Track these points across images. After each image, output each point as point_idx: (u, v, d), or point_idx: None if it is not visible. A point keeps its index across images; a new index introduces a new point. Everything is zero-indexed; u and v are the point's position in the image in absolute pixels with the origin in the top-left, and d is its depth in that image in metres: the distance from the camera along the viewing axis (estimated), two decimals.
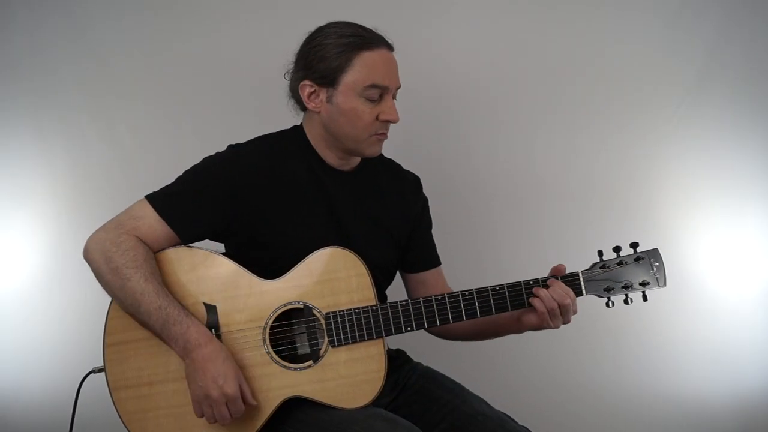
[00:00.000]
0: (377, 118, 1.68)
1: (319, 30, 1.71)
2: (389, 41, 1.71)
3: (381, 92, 1.67)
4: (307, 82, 1.69)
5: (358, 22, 1.71)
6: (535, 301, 1.66)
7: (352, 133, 1.70)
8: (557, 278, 1.68)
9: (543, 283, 1.67)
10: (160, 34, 2.67)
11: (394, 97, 1.71)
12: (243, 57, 2.64)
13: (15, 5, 2.64)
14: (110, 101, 2.69)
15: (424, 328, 1.71)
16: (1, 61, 2.66)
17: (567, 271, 1.70)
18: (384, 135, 1.73)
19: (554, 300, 1.65)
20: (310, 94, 1.70)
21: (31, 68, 2.66)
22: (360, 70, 1.64)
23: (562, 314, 1.67)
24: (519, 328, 1.76)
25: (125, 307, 1.62)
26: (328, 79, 1.66)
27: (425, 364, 1.90)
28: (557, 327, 1.69)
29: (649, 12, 2.63)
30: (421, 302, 1.67)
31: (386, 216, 1.82)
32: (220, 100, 2.67)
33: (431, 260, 1.93)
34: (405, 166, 1.93)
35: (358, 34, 1.66)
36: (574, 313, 1.68)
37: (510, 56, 2.66)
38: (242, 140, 1.81)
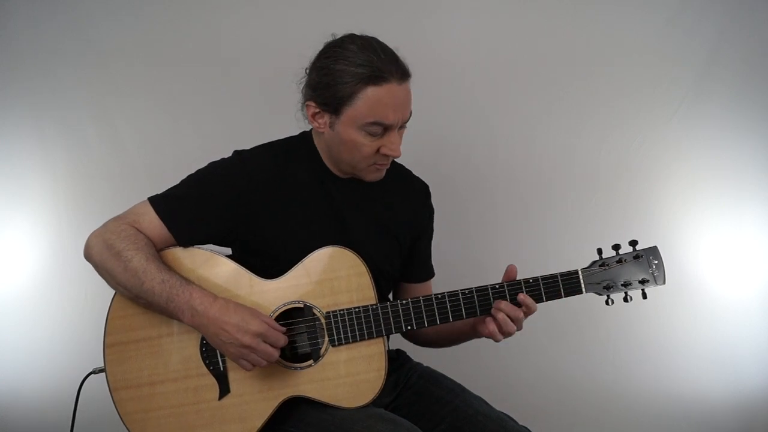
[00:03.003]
0: (378, 150, 1.65)
1: (333, 48, 1.64)
2: (405, 67, 1.62)
3: (384, 128, 1.63)
4: (312, 103, 1.66)
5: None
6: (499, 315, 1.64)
7: (351, 161, 1.68)
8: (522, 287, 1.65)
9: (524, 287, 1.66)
10: (161, 33, 2.67)
11: (402, 127, 1.67)
12: (244, 57, 2.64)
13: (15, 5, 2.64)
14: (110, 101, 2.69)
15: (424, 327, 1.70)
16: (1, 61, 2.66)
17: (567, 269, 1.68)
18: (384, 165, 1.70)
19: (509, 318, 1.64)
20: (315, 114, 1.67)
21: (31, 68, 2.66)
22: (363, 105, 1.58)
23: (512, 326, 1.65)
24: (475, 335, 1.75)
25: (129, 290, 1.62)
26: (331, 107, 1.62)
27: (425, 365, 1.90)
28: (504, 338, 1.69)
29: (649, 12, 2.63)
30: (422, 301, 1.67)
31: (393, 222, 1.81)
32: (220, 100, 2.67)
33: (427, 272, 1.93)
34: (401, 161, 1.91)
35: (370, 63, 1.57)
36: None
37: (510, 56, 2.66)
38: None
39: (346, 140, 1.64)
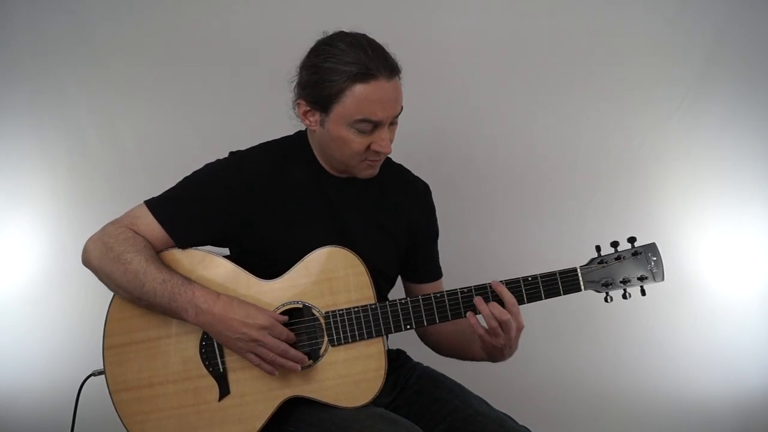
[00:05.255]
0: (369, 147, 1.65)
1: (322, 47, 1.63)
2: (394, 63, 1.62)
3: (373, 125, 1.62)
4: (302, 102, 1.66)
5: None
6: (472, 319, 1.63)
7: (342, 158, 1.68)
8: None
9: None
10: (161, 33, 2.67)
11: (394, 123, 1.67)
12: (244, 57, 2.64)
13: (15, 5, 2.64)
14: (110, 101, 2.68)
15: (424, 326, 1.70)
16: (1, 61, 2.66)
17: (566, 267, 1.68)
18: (377, 161, 1.69)
19: (493, 317, 1.61)
20: (306, 112, 1.67)
21: (31, 68, 2.66)
22: (351, 103, 1.58)
23: (504, 331, 1.62)
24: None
25: (130, 293, 1.62)
26: (320, 105, 1.63)
27: (425, 365, 1.90)
28: (501, 348, 1.65)
29: (649, 12, 2.63)
30: (420, 300, 1.67)
31: (390, 222, 1.80)
32: (220, 100, 2.67)
33: (434, 273, 1.92)
34: (401, 160, 1.91)
35: (358, 61, 1.57)
36: (518, 329, 1.63)
37: (509, 54, 2.66)
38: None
39: (336, 137, 1.64)
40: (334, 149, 1.68)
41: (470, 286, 1.66)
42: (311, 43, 1.69)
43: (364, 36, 1.64)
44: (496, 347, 1.65)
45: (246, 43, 2.64)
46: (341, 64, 1.58)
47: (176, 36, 2.67)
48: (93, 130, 2.70)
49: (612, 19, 2.64)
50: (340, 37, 1.63)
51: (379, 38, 1.66)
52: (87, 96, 2.69)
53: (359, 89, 1.57)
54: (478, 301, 1.63)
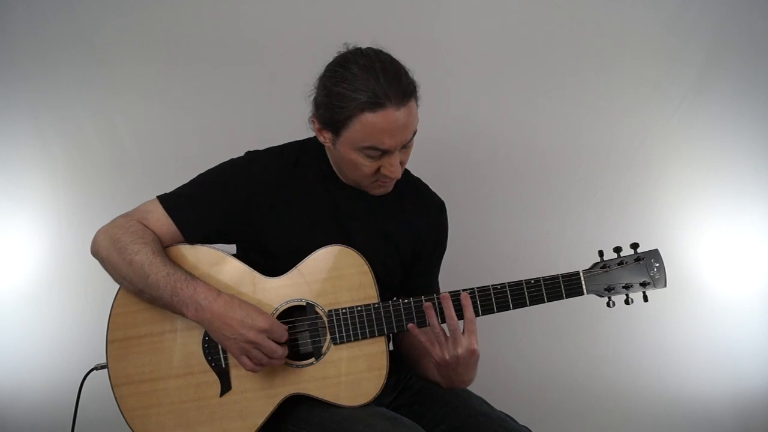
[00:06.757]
0: (379, 169, 1.64)
1: (336, 69, 1.60)
2: (408, 87, 1.58)
3: (381, 152, 1.61)
4: (315, 120, 1.66)
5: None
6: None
7: (354, 178, 1.69)
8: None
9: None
10: (161, 33, 2.67)
11: (406, 147, 1.64)
12: (244, 55, 2.64)
13: (15, 5, 2.64)
14: (110, 100, 2.69)
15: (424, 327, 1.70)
16: (1, 60, 2.66)
17: (568, 270, 1.68)
18: (387, 182, 1.69)
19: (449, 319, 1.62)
20: (319, 129, 1.67)
21: (31, 68, 2.66)
22: (359, 130, 1.56)
23: (447, 341, 1.62)
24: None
25: (134, 284, 1.63)
26: (330, 127, 1.62)
27: None
28: (448, 362, 1.63)
29: (649, 12, 2.64)
30: (423, 301, 1.66)
31: (397, 232, 1.79)
32: (220, 99, 2.67)
33: (432, 291, 1.87)
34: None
35: (368, 88, 1.53)
36: (469, 350, 1.62)
37: (509, 54, 2.66)
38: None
39: (347, 159, 1.64)
40: (345, 169, 1.69)
41: (473, 288, 1.66)
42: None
43: (378, 57, 1.60)
44: (441, 356, 1.62)
45: (245, 43, 2.64)
46: (351, 91, 1.55)
47: (176, 36, 2.67)
48: (93, 130, 2.70)
49: (612, 19, 2.64)
50: (355, 59, 1.59)
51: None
52: (87, 96, 2.69)
53: (368, 118, 1.55)
54: (444, 297, 1.62)
